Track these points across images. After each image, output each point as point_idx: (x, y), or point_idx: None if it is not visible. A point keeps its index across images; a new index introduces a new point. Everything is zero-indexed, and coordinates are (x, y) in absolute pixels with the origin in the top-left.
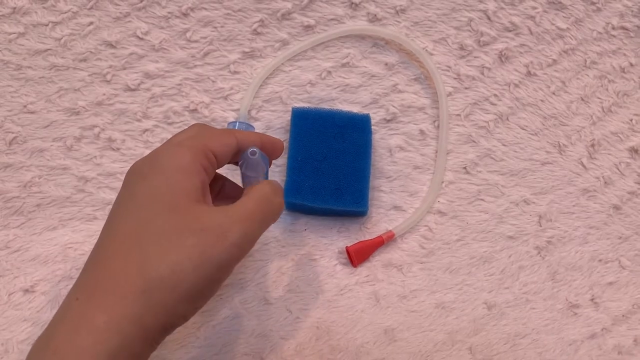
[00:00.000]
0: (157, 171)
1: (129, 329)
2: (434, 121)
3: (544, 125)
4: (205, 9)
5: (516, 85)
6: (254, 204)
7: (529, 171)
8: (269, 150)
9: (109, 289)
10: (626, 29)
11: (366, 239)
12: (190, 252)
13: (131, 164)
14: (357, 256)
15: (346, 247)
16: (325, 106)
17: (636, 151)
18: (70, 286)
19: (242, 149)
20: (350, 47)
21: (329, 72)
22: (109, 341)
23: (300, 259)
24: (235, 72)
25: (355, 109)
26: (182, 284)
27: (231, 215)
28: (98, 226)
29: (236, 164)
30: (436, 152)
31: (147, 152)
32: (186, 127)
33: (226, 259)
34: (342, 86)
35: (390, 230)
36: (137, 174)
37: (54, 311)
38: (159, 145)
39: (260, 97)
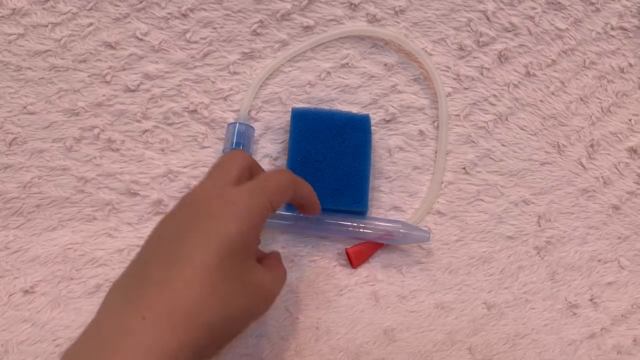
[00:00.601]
0: (233, 217)
1: (192, 358)
2: (434, 121)
3: (543, 125)
4: (205, 9)
5: (515, 86)
6: (283, 277)
7: (528, 171)
8: (307, 209)
9: (179, 316)
10: (625, 30)
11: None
12: (247, 304)
13: (133, 166)
14: (356, 258)
15: (346, 248)
16: (325, 107)
17: (635, 151)
18: (71, 286)
19: (293, 200)
20: (349, 48)
21: (329, 72)
22: None
23: (299, 260)
24: (235, 73)
25: (354, 109)
26: (234, 328)
27: (275, 282)
28: (97, 227)
29: None
30: (436, 152)
31: (147, 152)
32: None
33: (261, 314)
34: (342, 87)
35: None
36: (207, 209)
37: (54, 312)
38: (158, 145)
39: (260, 97)
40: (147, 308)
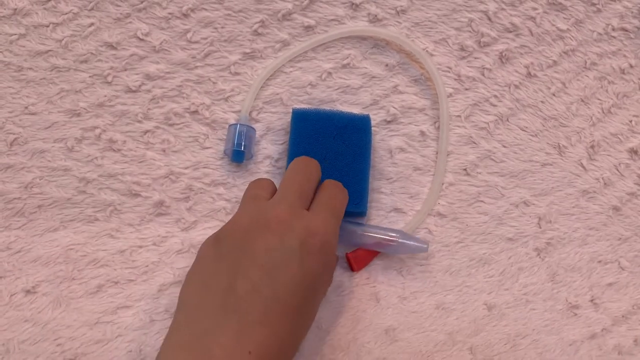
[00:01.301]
0: (322, 259)
1: None
2: (435, 122)
3: (544, 126)
4: (206, 9)
5: (516, 87)
6: None
7: (529, 172)
8: None
9: (274, 353)
10: (626, 30)
11: None
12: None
13: (135, 167)
14: (357, 262)
15: (346, 253)
16: (326, 107)
17: (636, 152)
18: (72, 287)
19: None
20: (350, 48)
21: (330, 73)
22: None
23: None
24: (236, 74)
25: (355, 110)
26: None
27: None
28: (99, 227)
29: None
30: (436, 153)
31: (149, 153)
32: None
33: None
34: (343, 87)
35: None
36: (301, 246)
37: (56, 312)
38: (159, 146)
39: (261, 98)
40: (253, 344)
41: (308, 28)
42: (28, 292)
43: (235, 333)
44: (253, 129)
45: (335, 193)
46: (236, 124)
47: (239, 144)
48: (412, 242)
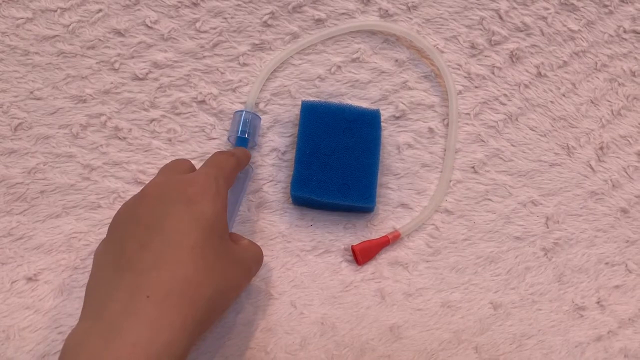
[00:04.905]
0: (205, 200)
1: (195, 333)
2: (443, 119)
3: (553, 126)
4: None
5: (526, 86)
6: (261, 255)
7: (537, 172)
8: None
9: (181, 294)
10: (638, 33)
11: (372, 236)
12: (234, 278)
13: (140, 156)
14: (362, 255)
15: (352, 245)
16: (334, 101)
17: None
18: (75, 276)
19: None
20: (360, 42)
21: (339, 66)
22: (182, 342)
23: (305, 255)
24: (245, 64)
25: (364, 105)
26: (225, 302)
27: (254, 259)
28: (102, 215)
29: None
30: (444, 150)
31: (154, 142)
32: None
33: (244, 288)
34: (352, 81)
35: (397, 230)
36: (178, 196)
37: (57, 300)
38: (165, 135)
39: (269, 90)
40: (150, 289)
41: (318, 21)
42: (30, 279)
43: (130, 285)
44: (258, 116)
45: (219, 156)
46: (242, 111)
47: (243, 132)
48: None
